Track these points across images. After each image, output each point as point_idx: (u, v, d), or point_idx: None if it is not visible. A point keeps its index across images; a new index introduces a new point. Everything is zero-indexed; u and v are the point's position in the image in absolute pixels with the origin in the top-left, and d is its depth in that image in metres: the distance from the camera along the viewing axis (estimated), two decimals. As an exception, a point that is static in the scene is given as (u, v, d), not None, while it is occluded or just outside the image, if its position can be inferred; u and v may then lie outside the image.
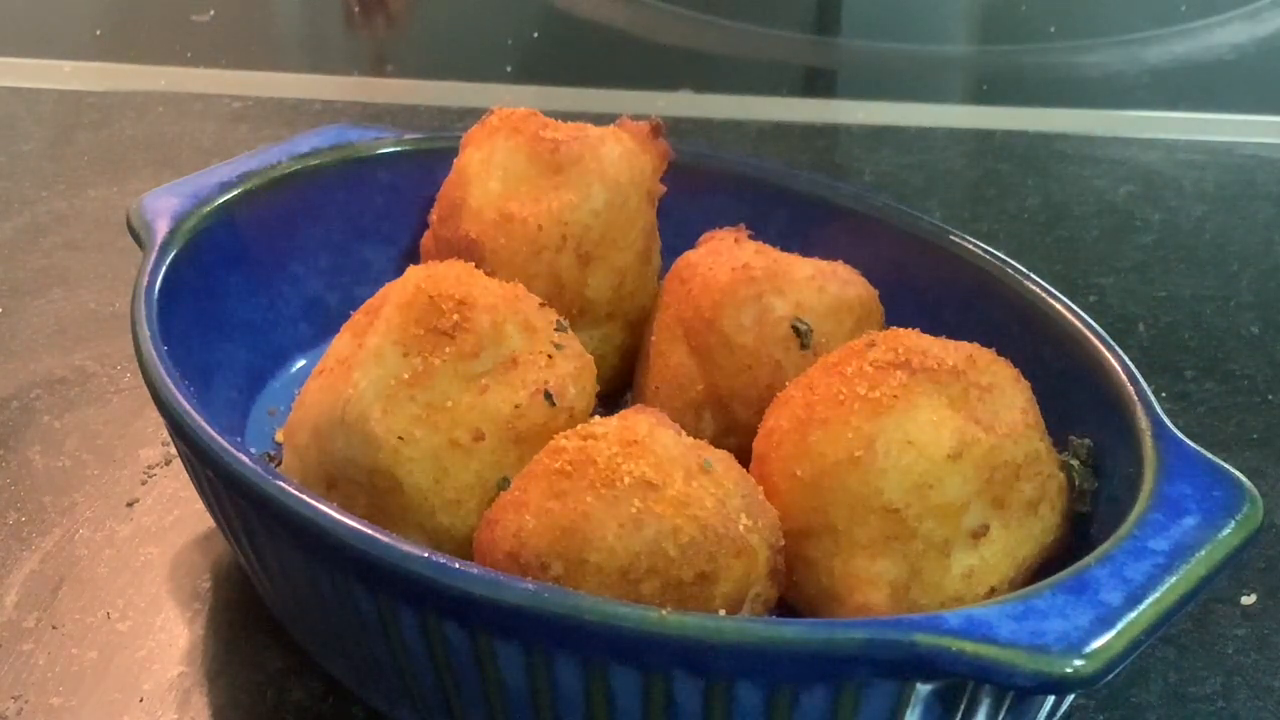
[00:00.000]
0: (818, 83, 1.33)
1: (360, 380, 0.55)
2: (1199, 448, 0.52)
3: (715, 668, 0.44)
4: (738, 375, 0.62)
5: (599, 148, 0.67)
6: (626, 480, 0.50)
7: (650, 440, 0.52)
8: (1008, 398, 0.55)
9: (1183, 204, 1.02)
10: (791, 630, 0.44)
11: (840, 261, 0.65)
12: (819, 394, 0.54)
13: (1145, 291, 0.90)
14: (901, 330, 0.57)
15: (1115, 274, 0.91)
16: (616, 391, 0.70)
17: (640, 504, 0.49)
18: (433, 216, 0.70)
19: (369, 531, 0.48)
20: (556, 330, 0.60)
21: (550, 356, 0.58)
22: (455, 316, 0.56)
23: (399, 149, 0.75)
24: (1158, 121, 1.16)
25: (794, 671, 0.44)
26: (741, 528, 0.50)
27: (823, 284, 0.62)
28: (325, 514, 0.48)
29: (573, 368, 0.59)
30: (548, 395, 0.57)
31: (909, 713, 0.45)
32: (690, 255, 0.66)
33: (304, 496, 0.49)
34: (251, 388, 0.69)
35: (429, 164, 0.73)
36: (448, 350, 0.56)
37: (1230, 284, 0.91)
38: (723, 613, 0.49)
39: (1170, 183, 1.04)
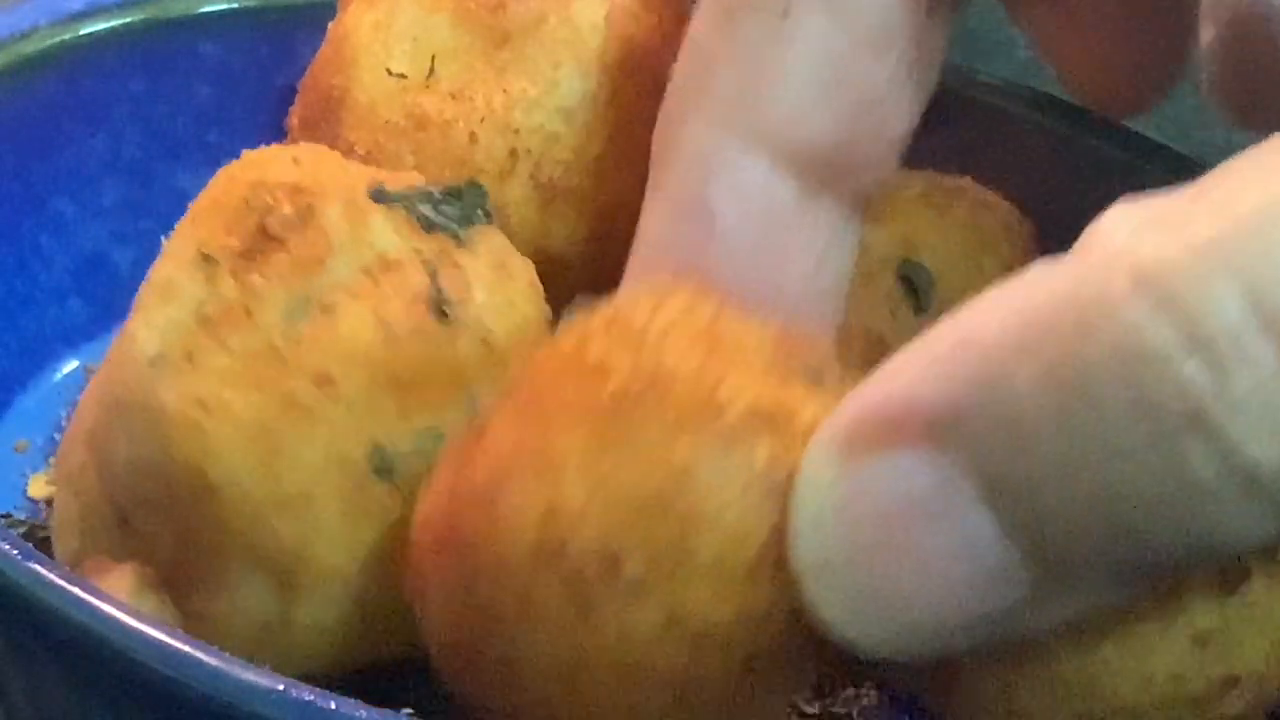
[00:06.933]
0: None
1: (141, 330, 0.36)
2: None
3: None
4: None
5: (570, 4, 0.45)
6: (736, 409, 0.31)
7: (728, 334, 0.32)
8: None
9: None
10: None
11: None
12: None
13: None
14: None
15: None
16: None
17: (769, 449, 0.31)
18: (292, 119, 0.48)
19: (184, 647, 0.29)
20: (464, 222, 0.38)
21: (446, 254, 0.37)
22: (287, 209, 0.36)
23: (234, 6, 0.52)
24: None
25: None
26: None
27: (944, 202, 0.45)
28: (105, 613, 0.30)
29: (485, 268, 0.37)
30: (438, 303, 0.36)
31: None
32: None
33: (69, 585, 0.30)
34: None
35: (284, 30, 0.52)
36: (275, 261, 0.36)
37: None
38: None
39: None
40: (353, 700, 0.29)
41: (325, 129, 0.46)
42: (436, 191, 0.38)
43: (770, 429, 0.30)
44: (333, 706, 0.28)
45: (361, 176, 0.38)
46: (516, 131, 0.45)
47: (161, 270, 0.36)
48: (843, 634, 0.30)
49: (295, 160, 0.38)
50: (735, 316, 0.33)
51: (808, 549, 0.30)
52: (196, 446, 0.35)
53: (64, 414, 0.43)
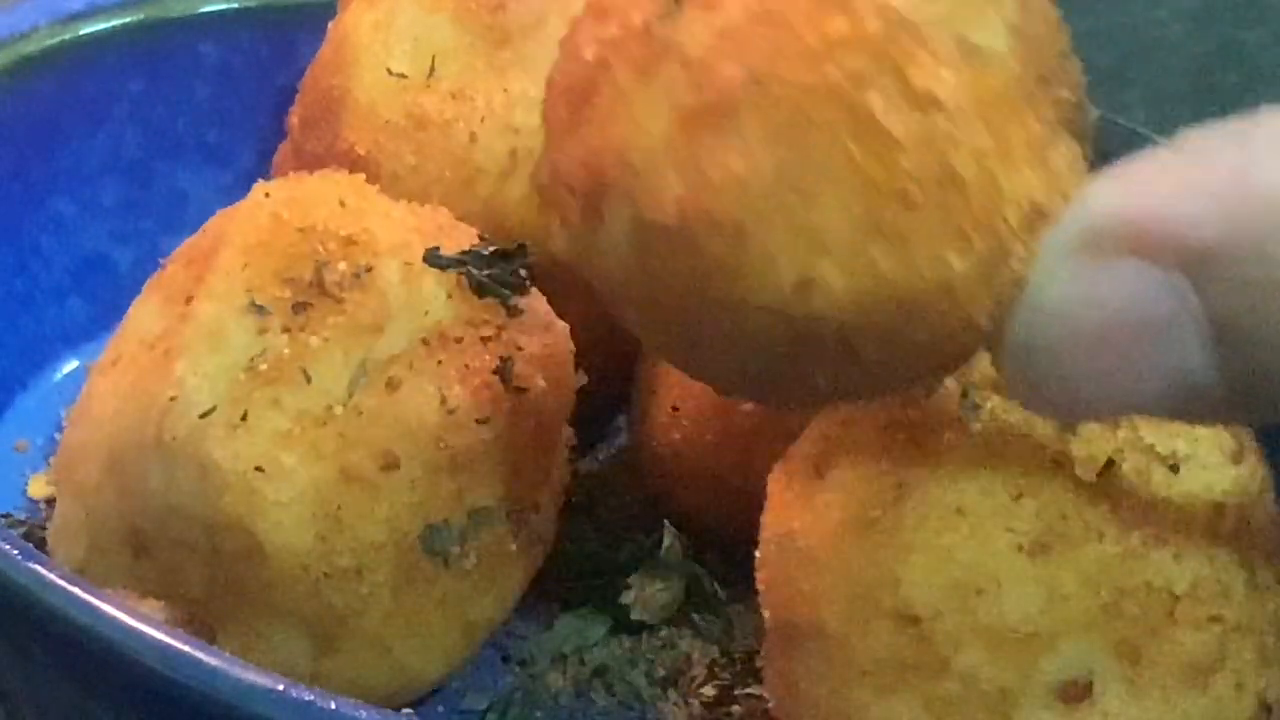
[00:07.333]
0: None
1: (187, 374, 0.36)
2: None
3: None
4: None
5: (570, 4, 0.39)
6: (1012, 219, 0.29)
7: (998, 91, 0.30)
8: None
9: None
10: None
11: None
12: None
13: None
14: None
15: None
16: (596, 412, 0.47)
17: (1028, 253, 0.30)
18: (292, 119, 0.49)
19: (184, 647, 0.29)
20: (510, 286, 0.39)
21: (500, 328, 0.39)
22: (342, 264, 0.37)
23: (234, 6, 0.52)
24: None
25: None
26: None
27: None
28: (105, 613, 0.29)
29: (539, 344, 0.39)
30: (500, 386, 0.37)
31: None
32: None
33: (75, 589, 0.30)
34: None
35: (284, 30, 0.52)
36: (331, 321, 0.36)
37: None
38: None
39: None
40: (352, 700, 0.29)
41: (325, 129, 0.46)
42: (485, 252, 0.39)
43: (1035, 230, 0.29)
44: (333, 706, 0.28)
45: (410, 227, 0.38)
46: (517, 131, 0.45)
47: (206, 306, 0.36)
48: (1024, 403, 0.31)
49: (342, 203, 0.38)
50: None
51: (1020, 329, 0.30)
52: (249, 508, 0.35)
53: (64, 414, 0.42)
